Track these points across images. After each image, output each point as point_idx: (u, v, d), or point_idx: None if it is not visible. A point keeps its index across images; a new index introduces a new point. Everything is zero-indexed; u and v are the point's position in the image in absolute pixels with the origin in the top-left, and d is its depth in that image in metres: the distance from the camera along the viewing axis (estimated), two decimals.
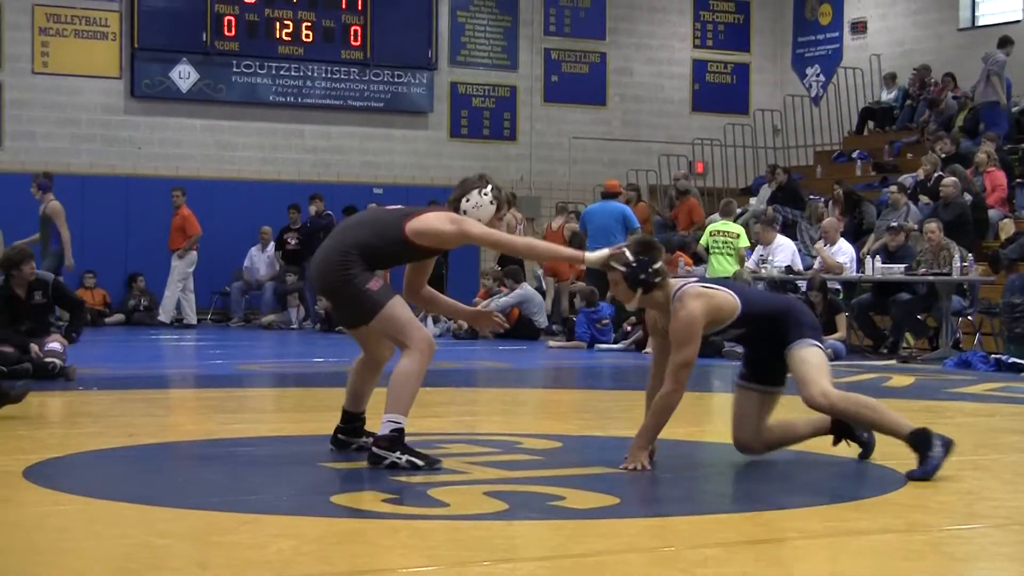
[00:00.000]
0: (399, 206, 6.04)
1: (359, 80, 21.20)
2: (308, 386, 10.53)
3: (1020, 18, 20.48)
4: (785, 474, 5.80)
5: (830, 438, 6.03)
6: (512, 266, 16.73)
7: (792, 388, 5.91)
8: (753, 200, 19.57)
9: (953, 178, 15.41)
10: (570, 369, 12.92)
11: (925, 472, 5.42)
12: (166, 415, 8.48)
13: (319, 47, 20.88)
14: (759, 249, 15.64)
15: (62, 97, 19.63)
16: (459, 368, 11.73)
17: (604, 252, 5.83)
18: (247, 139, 20.83)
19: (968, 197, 15.53)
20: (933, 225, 13.84)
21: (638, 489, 5.42)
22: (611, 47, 23.16)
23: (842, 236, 15.18)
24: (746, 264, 15.42)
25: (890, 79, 21.84)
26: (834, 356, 11.60)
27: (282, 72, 20.77)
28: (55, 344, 9.95)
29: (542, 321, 17.08)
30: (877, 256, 14.12)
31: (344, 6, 21.01)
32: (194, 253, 18.56)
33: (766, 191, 19.25)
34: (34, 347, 9.83)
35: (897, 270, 13.80)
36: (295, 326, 19.28)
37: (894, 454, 5.89)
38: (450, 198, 5.94)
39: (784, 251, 15.38)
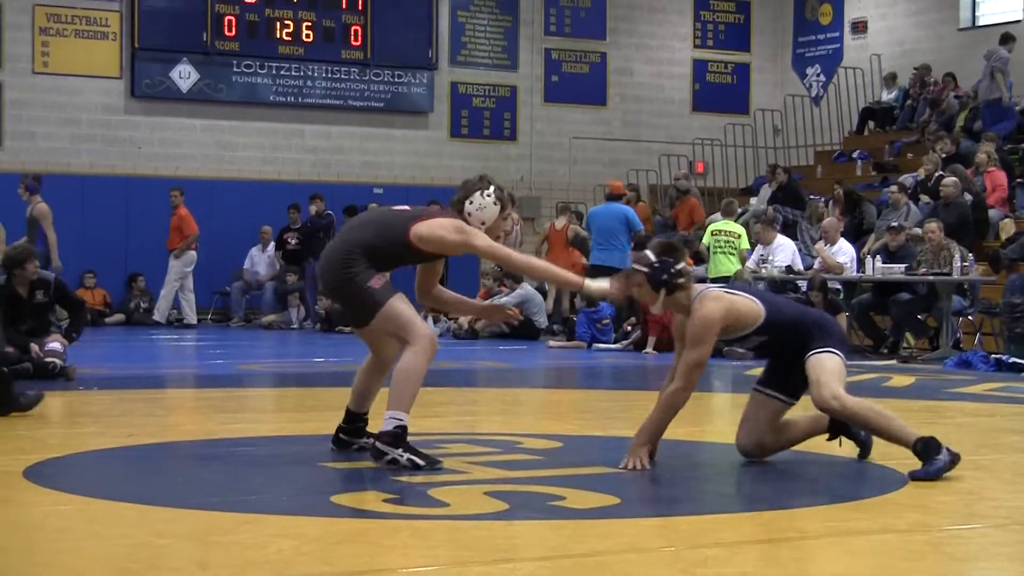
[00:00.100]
0: (407, 207, 6.01)
1: (359, 80, 21.20)
2: (308, 386, 10.53)
3: (1020, 18, 20.47)
4: (785, 474, 5.80)
5: (828, 437, 6.03)
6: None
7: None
8: (753, 200, 19.57)
9: (953, 178, 15.41)
10: (570, 369, 12.92)
11: (928, 472, 5.42)
12: (166, 415, 8.48)
13: (319, 47, 20.88)
14: (759, 249, 15.64)
15: (62, 97, 19.63)
16: (459, 368, 11.73)
17: (605, 284, 5.81)
18: (247, 139, 20.83)
19: (968, 197, 15.53)
20: (933, 225, 13.83)
21: (638, 489, 5.42)
22: (611, 47, 23.16)
23: (842, 236, 15.17)
24: (746, 264, 15.42)
25: (890, 79, 21.84)
26: None
27: (282, 72, 20.78)
28: (55, 344, 9.95)
29: (542, 321, 17.09)
30: (877, 256, 14.12)
31: (344, 6, 21.01)
32: (192, 253, 18.55)
33: (766, 191, 19.25)
34: (34, 347, 9.82)
35: (897, 270, 13.80)
36: (295, 326, 19.28)
37: (894, 454, 5.89)
38: (453, 200, 5.91)
39: (784, 251, 15.38)
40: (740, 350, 12.53)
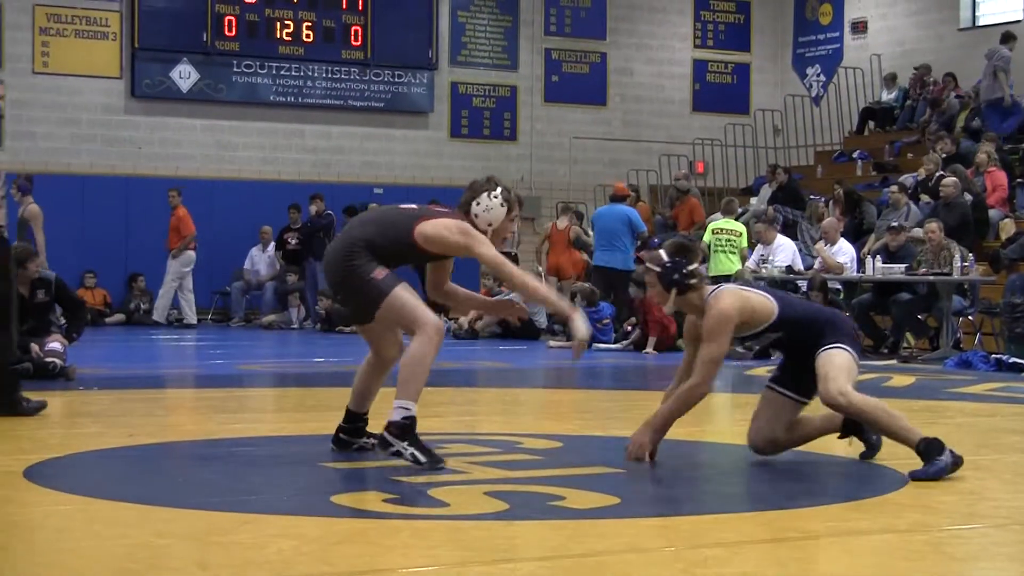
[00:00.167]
0: (413, 206, 5.99)
1: (359, 80, 21.20)
2: (308, 386, 10.53)
3: (1021, 18, 20.47)
4: (785, 474, 5.80)
5: (831, 437, 6.03)
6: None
7: None
8: (754, 200, 19.58)
9: (953, 178, 15.41)
10: (570, 369, 12.92)
11: (928, 472, 5.41)
12: (166, 415, 8.48)
13: (319, 47, 20.88)
14: (759, 249, 15.65)
15: (62, 97, 19.63)
16: (459, 368, 11.72)
17: (588, 331, 5.75)
18: (247, 139, 20.83)
19: (968, 197, 15.53)
20: (934, 225, 13.83)
21: (639, 489, 5.42)
22: (611, 47, 23.16)
23: (842, 236, 15.18)
24: (746, 263, 15.43)
25: (890, 80, 21.85)
26: None
27: (282, 72, 20.78)
28: (55, 344, 9.95)
29: (542, 321, 17.09)
30: (877, 256, 14.12)
31: (345, 6, 21.01)
32: (191, 253, 18.55)
33: (766, 191, 19.26)
34: (34, 347, 9.82)
35: (898, 270, 13.80)
36: (296, 326, 19.28)
37: (894, 454, 5.89)
38: (460, 201, 5.88)
39: (784, 251, 15.38)
40: (740, 350, 12.56)
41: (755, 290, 5.97)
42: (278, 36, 20.65)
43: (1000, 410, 8.84)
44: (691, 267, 5.76)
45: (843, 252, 14.76)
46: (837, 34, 23.53)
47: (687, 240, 6.43)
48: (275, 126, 20.92)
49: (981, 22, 21.64)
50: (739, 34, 24.15)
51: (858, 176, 20.27)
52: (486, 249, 5.72)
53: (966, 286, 13.83)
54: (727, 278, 14.53)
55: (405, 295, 5.67)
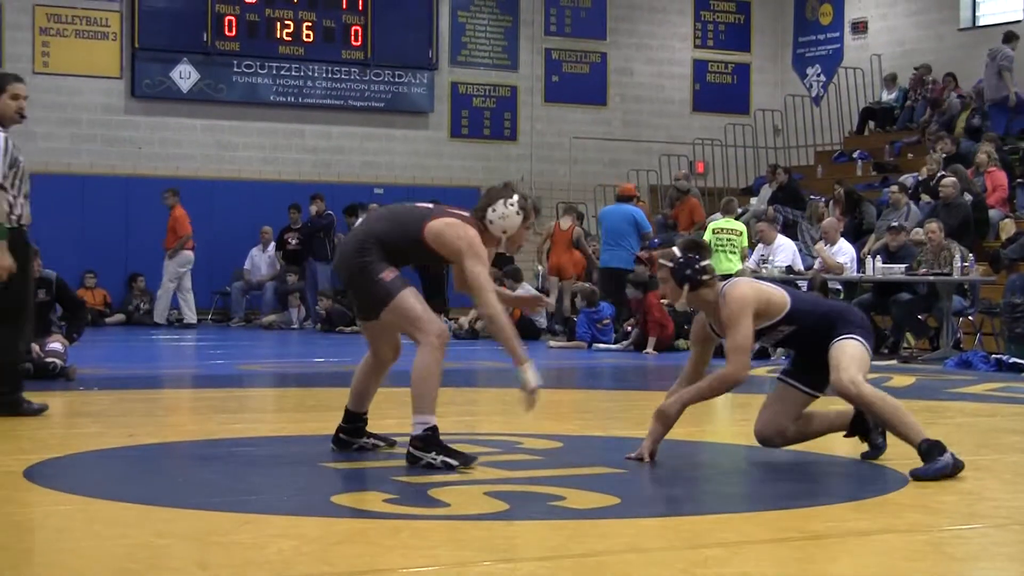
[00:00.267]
0: (430, 204, 5.96)
1: (360, 80, 21.20)
2: (308, 386, 10.53)
3: (1021, 18, 20.47)
4: (786, 474, 5.79)
5: (832, 437, 6.03)
6: (512, 266, 16.74)
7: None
8: (754, 200, 19.59)
9: (952, 178, 15.41)
10: (570, 369, 12.92)
11: (929, 471, 5.40)
12: (166, 415, 8.48)
13: (320, 47, 20.88)
14: (760, 249, 15.65)
15: (62, 97, 19.63)
16: (459, 368, 11.71)
17: (537, 382, 5.68)
18: (247, 139, 20.84)
19: (968, 197, 15.53)
20: (934, 225, 13.83)
21: (639, 489, 5.42)
22: (612, 47, 23.16)
23: (842, 236, 15.18)
24: (746, 263, 15.42)
25: (891, 80, 21.85)
26: None
27: (283, 72, 20.78)
28: (56, 344, 9.94)
29: (542, 321, 17.09)
30: (878, 256, 14.12)
31: (345, 6, 21.01)
32: (188, 253, 18.54)
33: (767, 191, 19.26)
34: (35, 347, 9.81)
35: (898, 270, 13.80)
36: (296, 326, 19.28)
37: (895, 454, 5.89)
38: (476, 207, 5.84)
39: (785, 251, 15.38)
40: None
41: (766, 283, 6.01)
42: (278, 36, 20.65)
43: (1000, 410, 8.84)
44: (704, 263, 5.78)
45: (843, 252, 14.76)
46: (837, 34, 23.53)
47: (700, 237, 6.45)
48: (275, 126, 20.92)
49: (981, 22, 21.64)
50: (739, 34, 24.15)
51: (858, 176, 20.27)
52: (476, 267, 5.63)
53: (966, 286, 13.83)
54: (727, 278, 14.49)
55: (411, 300, 5.66)
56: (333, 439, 6.11)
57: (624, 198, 16.73)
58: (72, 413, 8.09)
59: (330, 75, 21.04)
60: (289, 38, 20.70)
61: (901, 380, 10.87)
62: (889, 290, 13.95)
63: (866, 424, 5.94)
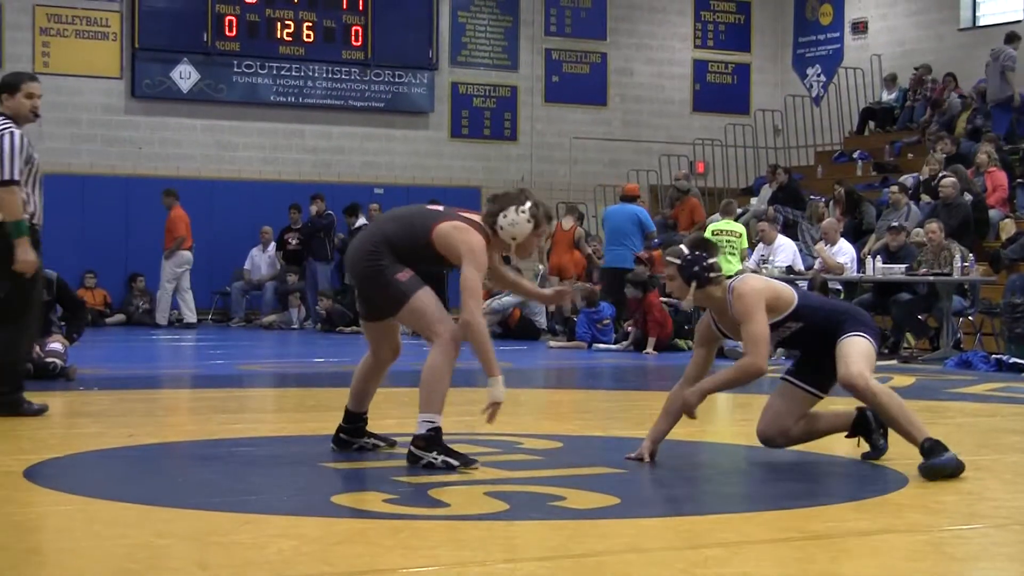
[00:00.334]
0: (440, 207, 5.93)
1: (360, 80, 21.20)
2: (308, 386, 10.53)
3: (1021, 18, 20.47)
4: (785, 474, 5.79)
5: (832, 437, 6.04)
6: (511, 266, 16.75)
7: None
8: (754, 200, 19.58)
9: (952, 178, 15.40)
10: (570, 369, 12.92)
11: (934, 465, 5.41)
12: (166, 415, 8.48)
13: (320, 47, 20.88)
14: (760, 248, 15.66)
15: (62, 97, 19.61)
16: (459, 368, 11.66)
17: (502, 396, 5.64)
18: (248, 139, 20.84)
19: (968, 197, 15.53)
20: (934, 225, 13.83)
21: (639, 489, 5.42)
22: (612, 47, 23.16)
23: (842, 236, 15.18)
24: (746, 263, 15.42)
25: (891, 80, 21.86)
26: None
27: (283, 72, 20.78)
28: (56, 344, 9.94)
29: (542, 321, 17.10)
30: (878, 256, 14.13)
31: (345, 6, 21.01)
32: (184, 254, 18.53)
33: (767, 191, 19.26)
34: (35, 347, 9.81)
35: (898, 270, 13.80)
36: (296, 326, 19.28)
37: (895, 455, 5.90)
38: (488, 211, 5.82)
39: (785, 251, 15.39)
40: (740, 349, 12.51)
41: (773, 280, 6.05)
42: (278, 36, 20.65)
43: (1000, 410, 8.84)
44: (711, 260, 5.79)
45: (843, 252, 14.77)
46: (837, 34, 23.53)
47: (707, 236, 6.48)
48: (275, 126, 20.92)
49: (981, 22, 21.64)
50: (739, 34, 24.14)
51: (858, 176, 20.27)
52: (471, 271, 5.60)
53: (966, 286, 13.83)
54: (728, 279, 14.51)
55: (427, 300, 5.65)
56: (333, 439, 6.12)
57: (628, 198, 16.75)
58: (72, 413, 8.09)
59: (330, 75, 21.04)
60: (289, 38, 20.70)
61: (901, 380, 10.87)
62: (889, 290, 13.96)
63: (868, 424, 5.94)
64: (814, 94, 23.62)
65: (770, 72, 24.34)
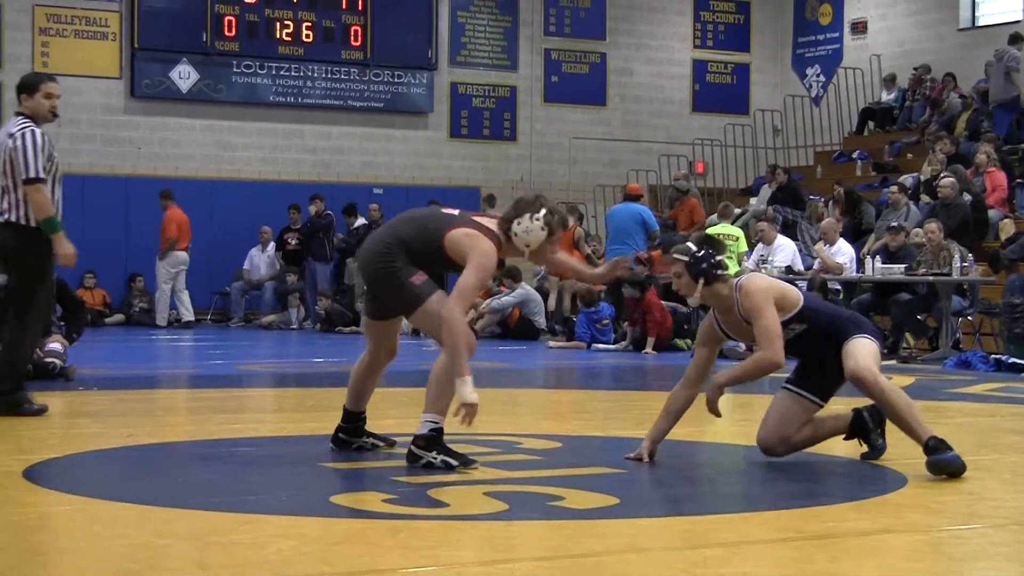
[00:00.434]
0: (455, 211, 5.92)
1: (359, 80, 21.20)
2: (308, 386, 10.53)
3: (1021, 18, 20.47)
4: (785, 474, 5.79)
5: (846, 436, 6.04)
6: (511, 266, 16.76)
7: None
8: (753, 200, 19.58)
9: (951, 178, 15.40)
10: (570, 369, 12.92)
11: (939, 460, 5.44)
12: (166, 415, 8.48)
13: (319, 47, 20.88)
14: (759, 248, 15.65)
15: (62, 97, 19.57)
16: None
17: (472, 398, 5.55)
18: (247, 139, 20.84)
19: (968, 197, 15.53)
20: (933, 225, 13.83)
21: (638, 489, 5.42)
22: (611, 47, 23.16)
23: (842, 236, 15.18)
24: (745, 263, 15.42)
25: (890, 80, 21.86)
26: None
27: (282, 72, 20.78)
28: (55, 344, 9.94)
29: (542, 321, 17.10)
30: (877, 256, 14.13)
31: (344, 6, 21.01)
32: (180, 254, 18.52)
33: (766, 191, 19.26)
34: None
35: (897, 270, 13.80)
36: (295, 326, 19.28)
37: (895, 455, 5.90)
38: (503, 216, 5.80)
39: (784, 251, 15.39)
40: (740, 349, 12.53)
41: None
42: (278, 36, 20.65)
43: (1000, 410, 8.84)
44: (718, 257, 5.80)
45: (842, 252, 14.76)
46: (837, 34, 23.54)
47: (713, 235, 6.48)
48: (275, 126, 20.93)
49: (981, 22, 21.65)
50: (739, 34, 24.15)
51: (858, 176, 20.27)
52: (471, 275, 5.58)
53: (966, 286, 13.83)
54: None
55: (441, 303, 5.64)
56: (332, 439, 6.12)
57: (632, 197, 16.75)
58: (72, 413, 8.09)
59: (330, 75, 21.04)
60: (289, 38, 20.70)
61: (901, 380, 10.86)
62: (888, 290, 13.95)
63: (866, 425, 5.95)
64: (813, 94, 23.62)
65: (769, 72, 24.34)
